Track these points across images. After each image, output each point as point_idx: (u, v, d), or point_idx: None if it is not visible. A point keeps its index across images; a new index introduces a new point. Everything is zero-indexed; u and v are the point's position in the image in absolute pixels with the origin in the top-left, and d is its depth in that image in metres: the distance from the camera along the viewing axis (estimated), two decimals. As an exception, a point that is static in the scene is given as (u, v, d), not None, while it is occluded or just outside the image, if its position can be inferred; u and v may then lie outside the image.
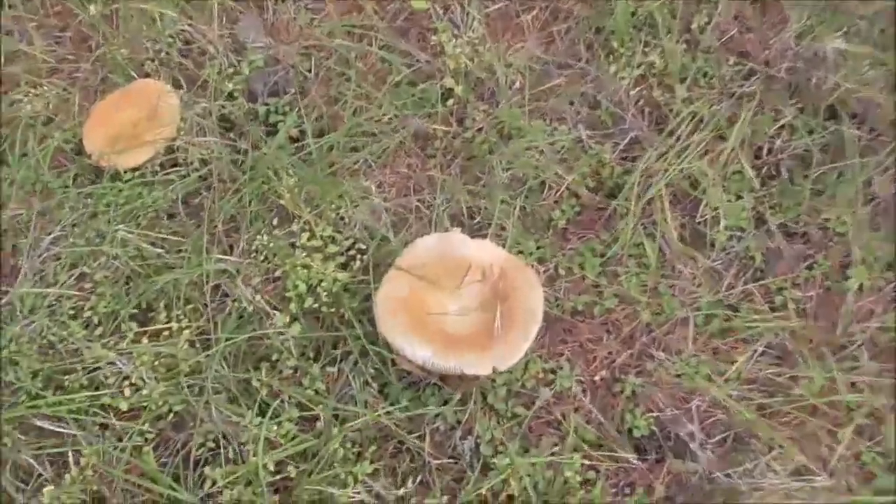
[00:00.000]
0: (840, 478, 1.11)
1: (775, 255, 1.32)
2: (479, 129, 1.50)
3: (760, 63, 1.47)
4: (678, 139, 1.39)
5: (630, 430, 1.19)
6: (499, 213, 1.36)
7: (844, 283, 1.29)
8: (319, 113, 1.55)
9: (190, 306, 1.27)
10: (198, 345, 1.23)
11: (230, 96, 1.59)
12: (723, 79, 1.46)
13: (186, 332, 1.20)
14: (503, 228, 1.35)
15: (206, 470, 1.09)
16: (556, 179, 1.41)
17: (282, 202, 1.36)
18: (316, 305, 1.25)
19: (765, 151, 1.38)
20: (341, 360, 1.23)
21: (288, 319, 1.21)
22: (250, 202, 1.39)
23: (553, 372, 1.24)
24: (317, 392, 1.18)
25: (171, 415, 1.16)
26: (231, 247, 1.38)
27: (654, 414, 1.20)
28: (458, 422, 1.20)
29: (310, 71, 1.60)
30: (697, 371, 1.22)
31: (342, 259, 1.32)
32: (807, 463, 1.11)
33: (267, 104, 1.57)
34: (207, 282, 1.27)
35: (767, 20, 1.54)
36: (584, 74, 1.54)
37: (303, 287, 1.24)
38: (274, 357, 1.21)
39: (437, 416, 1.20)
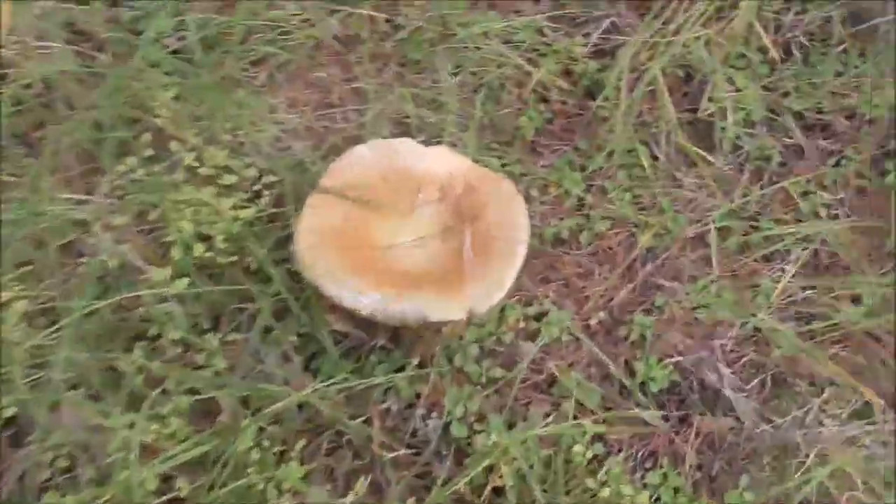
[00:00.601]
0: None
1: (795, 152, 1.07)
2: (417, 29, 1.18)
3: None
4: (665, 22, 1.11)
5: (643, 385, 0.91)
6: (450, 122, 1.05)
7: (883, 178, 1.04)
8: (206, 18, 1.18)
9: (27, 268, 0.90)
10: (41, 321, 0.87)
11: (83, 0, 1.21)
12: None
13: (21, 303, 0.84)
14: (455, 145, 1.04)
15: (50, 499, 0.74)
16: (518, 79, 1.11)
17: (157, 121, 1.00)
18: (209, 255, 0.91)
19: (772, 30, 1.11)
20: (249, 328, 0.90)
21: (169, 274, 0.86)
22: (112, 127, 1.03)
23: (537, 319, 0.94)
24: (217, 374, 0.85)
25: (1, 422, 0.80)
26: (89, 192, 1.01)
27: (672, 359, 0.92)
28: (418, 395, 0.89)
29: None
30: (720, 298, 0.94)
31: (244, 195, 0.98)
32: (872, 398, 0.86)
33: (132, 6, 1.19)
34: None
35: None
36: (540, -46, 1.23)
37: (189, 230, 0.90)
38: (152, 332, 0.86)
39: (387, 390, 0.89)
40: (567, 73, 1.14)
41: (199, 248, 0.91)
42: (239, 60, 1.13)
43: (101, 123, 1.04)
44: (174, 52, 1.14)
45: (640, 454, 0.89)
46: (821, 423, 0.89)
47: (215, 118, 1.04)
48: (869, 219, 1.01)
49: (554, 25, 1.17)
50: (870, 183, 1.05)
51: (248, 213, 0.94)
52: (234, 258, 0.92)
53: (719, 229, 0.99)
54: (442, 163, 0.89)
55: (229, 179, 0.98)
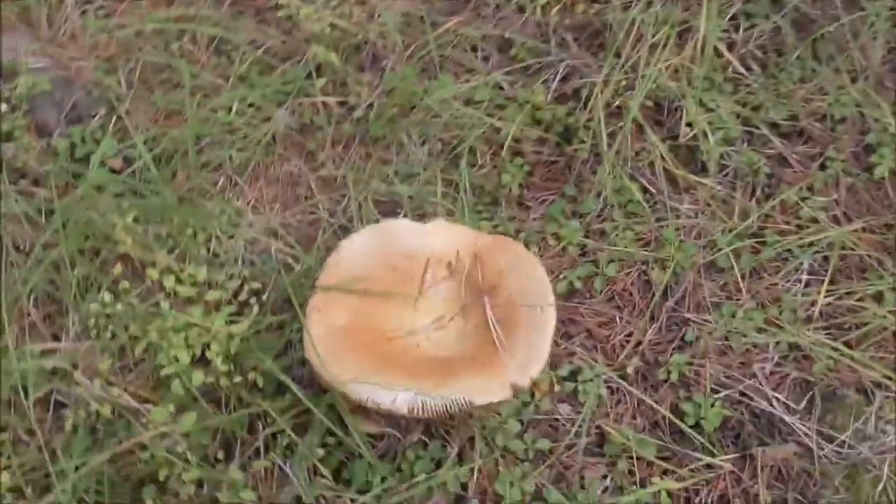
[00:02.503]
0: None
1: (779, 161, 1.11)
2: (370, 105, 1.19)
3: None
4: (620, 56, 1.15)
5: (697, 426, 0.89)
6: (430, 192, 1.04)
7: (870, 173, 1.09)
8: (148, 131, 1.17)
9: (2, 435, 0.82)
10: (29, 490, 0.79)
11: (9, 137, 1.17)
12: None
13: (4, 475, 0.77)
14: (451, 214, 1.03)
15: None
16: (487, 138, 1.12)
17: (121, 249, 0.96)
18: (210, 380, 0.85)
19: (724, 49, 1.16)
20: (268, 449, 0.84)
21: (171, 411, 0.80)
22: (72, 265, 0.98)
23: (572, 378, 0.92)
24: (245, 506, 0.78)
25: None
26: (57, 335, 0.95)
27: (720, 394, 0.91)
28: (464, 487, 0.84)
29: (120, 84, 1.22)
30: (751, 320, 0.95)
31: (231, 308, 0.94)
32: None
33: (69, 135, 1.17)
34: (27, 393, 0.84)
35: None
36: (479, 13, 1.28)
37: (185, 358, 0.84)
38: (163, 474, 0.80)
39: (431, 488, 0.84)
40: (537, 123, 1.15)
41: (198, 377, 0.85)
42: (195, 170, 1.10)
43: (57, 262, 0.99)
44: (117, 172, 1.11)
45: (709, 499, 0.86)
46: (882, 432, 0.88)
47: (184, 234, 1.00)
48: (869, 216, 1.04)
49: (510, 79, 1.20)
50: (857, 178, 1.09)
51: (241, 327, 0.90)
52: (238, 379, 0.87)
53: (732, 250, 1.00)
54: (444, 237, 0.88)
55: (213, 295, 0.95)
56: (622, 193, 1.07)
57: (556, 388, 0.91)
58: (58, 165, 1.13)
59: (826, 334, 0.97)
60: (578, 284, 0.99)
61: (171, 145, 1.11)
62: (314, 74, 1.20)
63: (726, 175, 1.11)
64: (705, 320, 0.97)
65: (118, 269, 0.93)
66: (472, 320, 0.82)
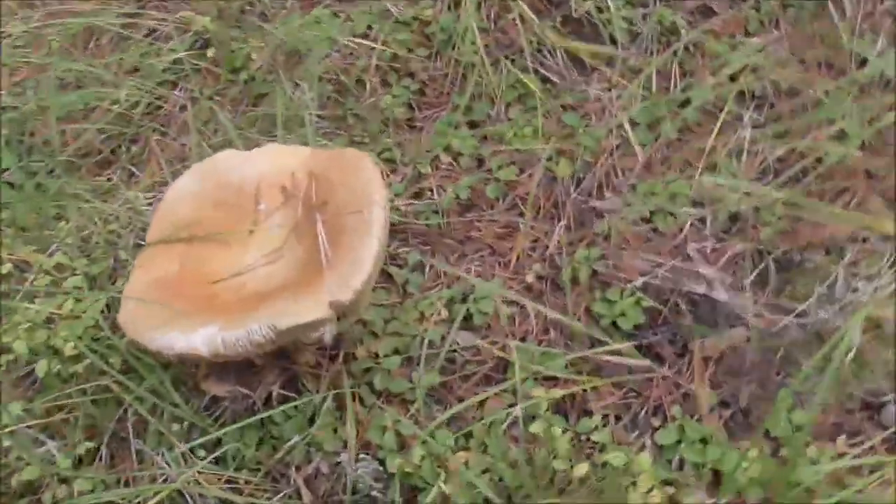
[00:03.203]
0: None
1: (703, 14, 0.92)
2: (260, 67, 1.09)
3: None
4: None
5: (615, 326, 0.72)
6: (310, 133, 0.92)
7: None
8: (45, 138, 1.11)
9: None
10: None
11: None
12: None
13: None
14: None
15: None
16: (379, 67, 0.99)
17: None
18: (58, 368, 0.77)
19: None
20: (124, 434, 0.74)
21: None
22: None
23: (463, 300, 0.77)
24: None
25: None
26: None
27: (637, 282, 0.73)
28: (344, 443, 0.71)
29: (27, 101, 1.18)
30: (678, 194, 0.77)
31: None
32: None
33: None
34: None
35: None
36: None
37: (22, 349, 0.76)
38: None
39: (309, 445, 0.71)
40: (426, 39, 1.02)
41: (44, 366, 0.77)
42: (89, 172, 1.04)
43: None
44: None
45: (641, 412, 0.68)
46: (854, 290, 0.68)
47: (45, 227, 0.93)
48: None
49: (396, 3, 1.07)
50: (798, 8, 0.88)
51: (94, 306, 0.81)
52: (88, 361, 0.77)
53: (645, 125, 0.83)
54: (276, 162, 0.76)
55: (73, 282, 0.86)
56: (517, 88, 0.91)
57: (444, 314, 0.76)
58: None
59: (780, 189, 0.77)
60: (465, 195, 0.84)
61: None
62: (194, 44, 1.12)
63: (642, 44, 0.93)
64: (619, 206, 0.80)
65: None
66: (303, 245, 0.69)
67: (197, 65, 1.13)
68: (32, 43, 1.32)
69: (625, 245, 0.77)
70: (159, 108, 1.13)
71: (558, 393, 0.68)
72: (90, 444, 0.76)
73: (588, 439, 0.66)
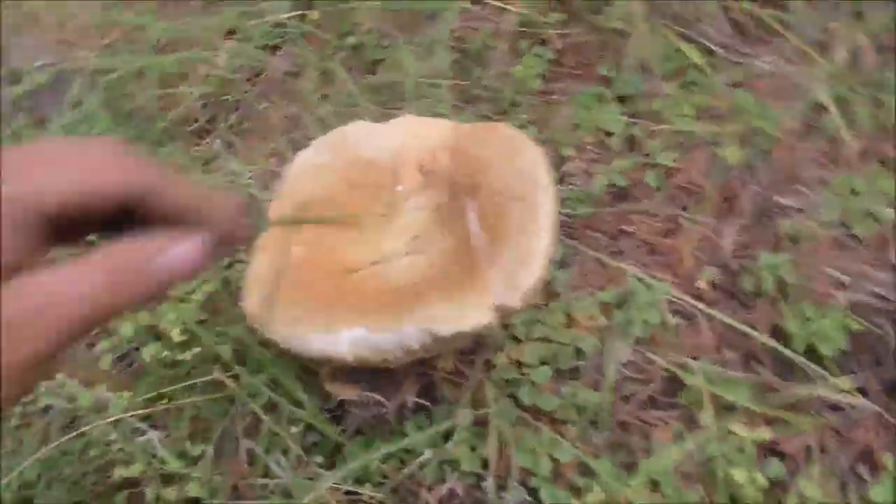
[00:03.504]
0: None
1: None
2: (368, 31, 0.99)
3: None
4: None
5: (811, 349, 0.60)
6: (439, 105, 0.82)
7: None
8: (138, 104, 1.04)
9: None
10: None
11: (17, 138, 1.11)
12: None
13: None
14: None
15: None
16: (511, 33, 0.88)
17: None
18: (166, 353, 0.69)
19: None
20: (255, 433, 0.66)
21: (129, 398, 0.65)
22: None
23: (619, 305, 0.66)
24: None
25: None
26: None
27: (835, 297, 0.61)
28: (485, 462, 0.61)
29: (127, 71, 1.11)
30: (880, 193, 0.64)
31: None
32: None
33: (64, 124, 1.07)
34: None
35: None
36: None
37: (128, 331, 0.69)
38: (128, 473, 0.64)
39: (442, 463, 0.62)
40: (560, 3, 0.90)
41: (149, 350, 0.69)
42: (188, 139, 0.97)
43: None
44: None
45: (843, 460, 0.57)
46: None
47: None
48: None
49: (528, -40, 0.95)
50: None
51: (201, 288, 0.73)
52: (198, 350, 0.70)
53: (836, 100, 0.70)
54: (414, 137, 0.66)
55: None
56: (673, 59, 0.79)
57: (601, 319, 0.66)
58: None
59: None
60: (622, 182, 0.73)
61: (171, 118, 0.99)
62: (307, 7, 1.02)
63: (822, 13, 0.79)
64: (809, 204, 0.68)
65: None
66: (451, 233, 0.59)
67: (298, 27, 1.03)
68: (122, 2, 1.25)
69: (816, 251, 0.65)
70: (259, 73, 1.04)
71: (740, 428, 0.57)
72: (200, 445, 0.68)
73: (778, 486, 0.55)
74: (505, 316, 0.52)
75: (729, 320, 0.60)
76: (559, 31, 0.88)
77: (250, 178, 0.90)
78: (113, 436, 0.66)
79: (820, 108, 0.72)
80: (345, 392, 0.62)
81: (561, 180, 0.77)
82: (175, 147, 0.92)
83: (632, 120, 0.77)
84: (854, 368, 0.60)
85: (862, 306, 0.61)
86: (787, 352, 0.60)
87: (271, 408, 0.67)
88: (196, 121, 1.02)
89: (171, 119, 0.99)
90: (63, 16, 1.34)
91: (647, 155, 0.75)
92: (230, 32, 1.10)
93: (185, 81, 1.03)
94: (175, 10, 1.15)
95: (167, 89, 1.02)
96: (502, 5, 0.89)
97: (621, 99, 0.80)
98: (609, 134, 0.77)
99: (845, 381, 0.56)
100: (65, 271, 0.29)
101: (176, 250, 0.31)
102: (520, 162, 0.57)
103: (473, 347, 0.65)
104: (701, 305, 0.65)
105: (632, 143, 0.78)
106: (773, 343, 0.60)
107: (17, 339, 0.28)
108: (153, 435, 0.69)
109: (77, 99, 1.06)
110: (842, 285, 0.62)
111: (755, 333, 0.60)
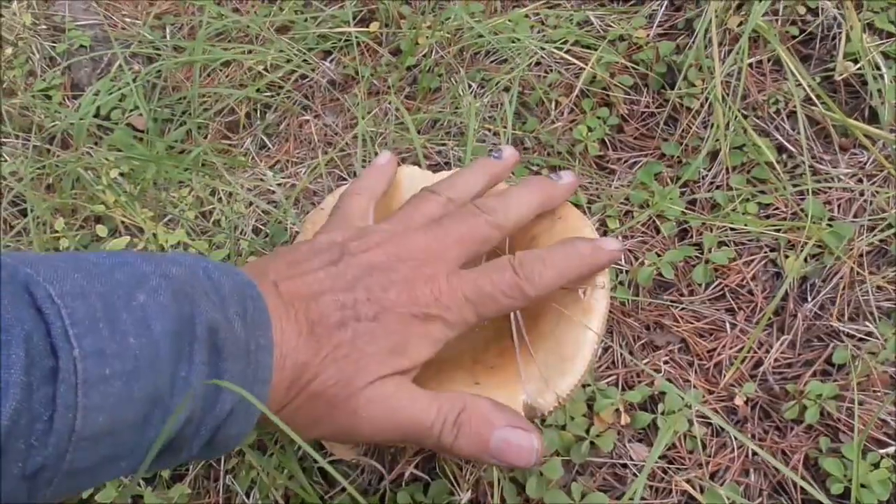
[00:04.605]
0: None
1: None
2: (425, 55, 0.96)
3: None
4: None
5: (846, 496, 0.56)
6: (476, 148, 0.79)
7: None
8: (175, 83, 1.01)
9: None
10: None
11: (46, 96, 1.08)
12: None
13: None
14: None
15: None
16: (567, 85, 0.85)
17: (105, 211, 0.79)
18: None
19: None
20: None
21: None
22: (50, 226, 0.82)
23: (651, 406, 0.62)
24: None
25: None
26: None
27: (889, 450, 0.57)
28: (479, 553, 0.57)
29: (164, 37, 1.09)
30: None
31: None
32: None
33: (97, 94, 1.04)
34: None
35: None
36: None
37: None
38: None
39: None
40: (634, 65, 0.87)
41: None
42: (217, 132, 0.93)
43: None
44: (138, 132, 0.96)
45: None
46: None
47: (179, 193, 0.82)
48: None
49: (602, 12, 0.92)
50: None
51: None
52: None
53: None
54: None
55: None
56: (745, 152, 0.75)
57: (626, 419, 0.62)
58: (82, 121, 1.00)
59: None
60: (670, 274, 0.69)
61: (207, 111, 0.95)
62: (357, 16, 0.99)
63: (910, 128, 0.76)
64: (867, 334, 0.64)
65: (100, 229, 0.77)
66: (491, 320, 0.55)
67: (356, 37, 1.00)
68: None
69: (869, 387, 0.61)
70: (305, 76, 1.01)
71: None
72: (178, 485, 0.64)
73: None
74: (533, 417, 0.48)
75: (757, 448, 0.56)
76: (627, 97, 0.85)
77: (278, 184, 0.87)
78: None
79: (890, 229, 0.68)
80: (344, 453, 0.58)
81: (605, 257, 0.73)
82: (204, 139, 0.88)
83: (689, 209, 0.73)
84: (890, 527, 0.56)
85: (909, 461, 0.57)
86: (820, 494, 0.56)
87: (259, 445, 0.63)
88: (232, 112, 0.99)
89: (207, 110, 0.96)
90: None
91: (699, 247, 0.71)
92: (284, 28, 1.08)
93: (228, 73, 0.99)
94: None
95: (208, 77, 0.99)
96: (574, 60, 0.86)
97: (678, 179, 0.77)
98: (661, 217, 0.73)
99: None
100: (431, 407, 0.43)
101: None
102: (579, 229, 0.54)
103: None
104: (732, 422, 0.61)
105: (684, 232, 0.74)
106: (804, 482, 0.56)
107: None
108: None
109: (114, 73, 1.03)
110: (889, 430, 0.58)
111: (784, 468, 0.56)
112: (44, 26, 1.22)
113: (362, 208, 0.50)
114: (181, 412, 0.33)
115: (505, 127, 0.79)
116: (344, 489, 0.59)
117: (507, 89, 0.90)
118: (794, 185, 0.72)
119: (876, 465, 0.57)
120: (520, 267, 0.45)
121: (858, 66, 0.75)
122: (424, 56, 0.98)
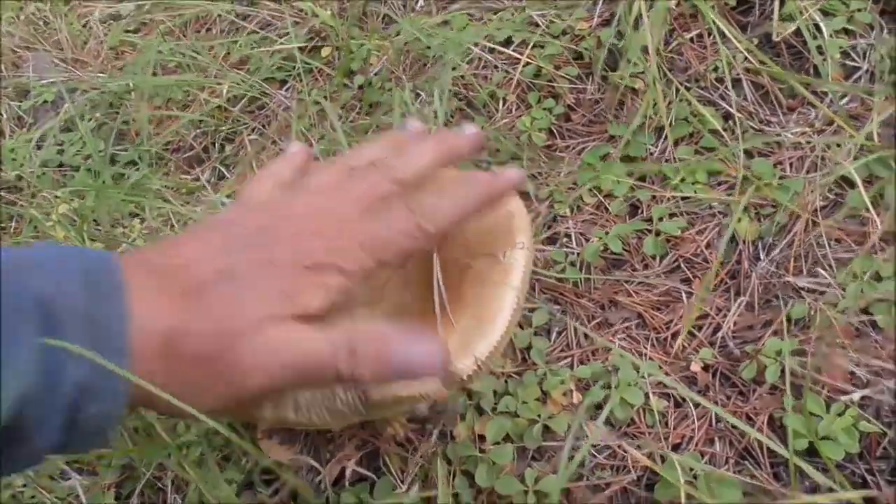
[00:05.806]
0: None
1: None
2: (376, 73, 0.99)
3: None
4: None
5: (812, 449, 0.54)
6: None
7: None
8: (136, 128, 1.05)
9: None
10: None
11: (12, 152, 1.12)
12: None
13: None
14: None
15: None
16: (519, 83, 0.86)
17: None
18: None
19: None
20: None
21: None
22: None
23: (606, 383, 0.61)
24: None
25: None
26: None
27: (852, 395, 0.55)
28: (430, 549, 0.55)
29: (128, 90, 1.13)
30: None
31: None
32: None
33: (60, 144, 1.08)
34: None
35: None
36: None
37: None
38: None
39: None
40: (579, 57, 0.88)
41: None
42: (176, 168, 0.96)
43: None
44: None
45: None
46: None
47: (119, 224, 0.83)
48: None
49: (543, 11, 0.94)
50: None
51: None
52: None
53: (863, 185, 0.65)
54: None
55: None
56: (690, 123, 0.75)
57: (576, 398, 0.60)
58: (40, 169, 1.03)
59: None
60: (618, 248, 0.68)
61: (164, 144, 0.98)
62: (311, 40, 1.02)
63: (858, 81, 0.75)
64: (826, 286, 0.62)
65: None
66: (411, 291, 0.55)
67: (309, 63, 1.03)
68: (141, 26, 1.27)
69: (831, 340, 0.59)
70: (262, 106, 1.04)
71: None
72: (122, 490, 0.63)
73: None
74: (454, 385, 0.47)
75: (720, 411, 0.54)
76: (573, 86, 0.85)
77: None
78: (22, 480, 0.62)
79: (846, 183, 0.67)
80: (279, 453, 0.57)
81: (553, 241, 0.72)
82: (156, 173, 0.90)
83: (637, 183, 0.73)
84: (864, 476, 0.53)
85: (878, 406, 0.55)
86: (786, 452, 0.54)
87: (201, 464, 0.62)
88: (191, 148, 1.02)
89: (163, 144, 0.98)
90: (84, 35, 1.37)
91: (650, 221, 0.70)
92: (241, 63, 1.11)
93: (186, 108, 1.02)
94: (197, 38, 1.15)
95: (165, 111, 1.01)
96: (517, 55, 0.87)
97: (628, 160, 0.76)
98: (610, 196, 0.73)
99: (853, 492, 0.49)
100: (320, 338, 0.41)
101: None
102: (496, 215, 0.53)
103: (429, 416, 0.60)
104: (692, 391, 0.59)
105: (635, 208, 0.73)
106: (770, 441, 0.54)
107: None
108: (76, 480, 0.65)
109: (70, 116, 1.07)
110: (856, 380, 0.56)
111: (750, 429, 0.54)
112: (9, 89, 1.27)
113: (265, 191, 0.50)
114: (10, 390, 0.33)
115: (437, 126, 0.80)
116: (289, 491, 0.57)
117: (457, 94, 0.91)
118: (743, 151, 0.71)
119: (840, 415, 0.54)
120: (414, 203, 0.44)
121: (796, 25, 0.75)
122: (376, 75, 1.00)
